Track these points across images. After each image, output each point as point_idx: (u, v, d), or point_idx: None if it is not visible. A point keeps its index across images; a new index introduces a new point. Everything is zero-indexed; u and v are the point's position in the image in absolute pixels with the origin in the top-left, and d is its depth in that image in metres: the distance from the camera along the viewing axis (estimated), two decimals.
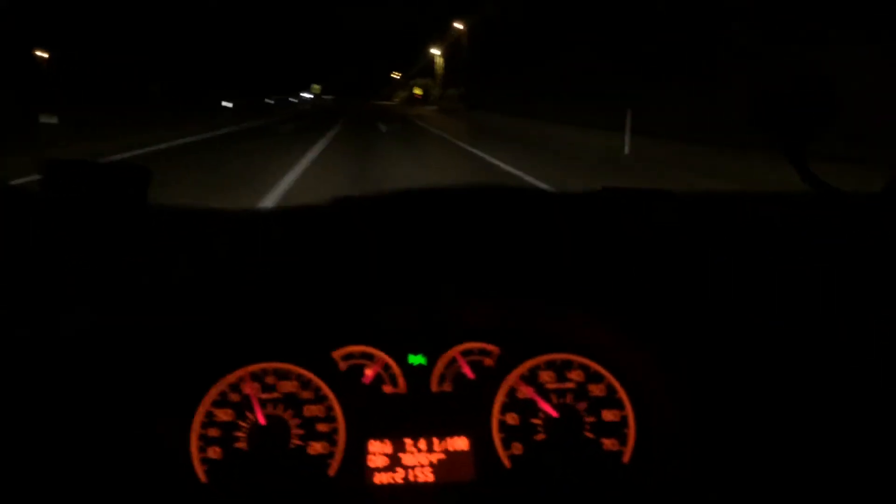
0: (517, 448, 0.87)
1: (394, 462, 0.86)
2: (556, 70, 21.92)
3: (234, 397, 0.86)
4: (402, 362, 0.89)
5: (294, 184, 7.88)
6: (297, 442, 0.86)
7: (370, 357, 0.89)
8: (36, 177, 0.96)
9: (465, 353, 0.90)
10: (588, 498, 0.86)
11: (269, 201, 6.64)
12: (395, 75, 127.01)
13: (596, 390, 0.90)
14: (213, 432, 0.85)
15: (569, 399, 0.89)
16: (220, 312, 0.85)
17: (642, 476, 0.87)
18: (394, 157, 11.72)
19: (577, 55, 19.74)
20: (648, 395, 0.88)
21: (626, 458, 0.88)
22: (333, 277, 0.87)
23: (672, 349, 0.85)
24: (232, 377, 0.87)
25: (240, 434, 0.85)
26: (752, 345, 0.84)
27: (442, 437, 0.87)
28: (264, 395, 0.87)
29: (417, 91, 56.94)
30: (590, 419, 0.89)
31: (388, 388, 0.88)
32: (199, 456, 0.84)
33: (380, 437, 0.86)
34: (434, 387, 0.89)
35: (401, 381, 0.88)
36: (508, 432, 0.88)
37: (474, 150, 12.69)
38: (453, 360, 0.90)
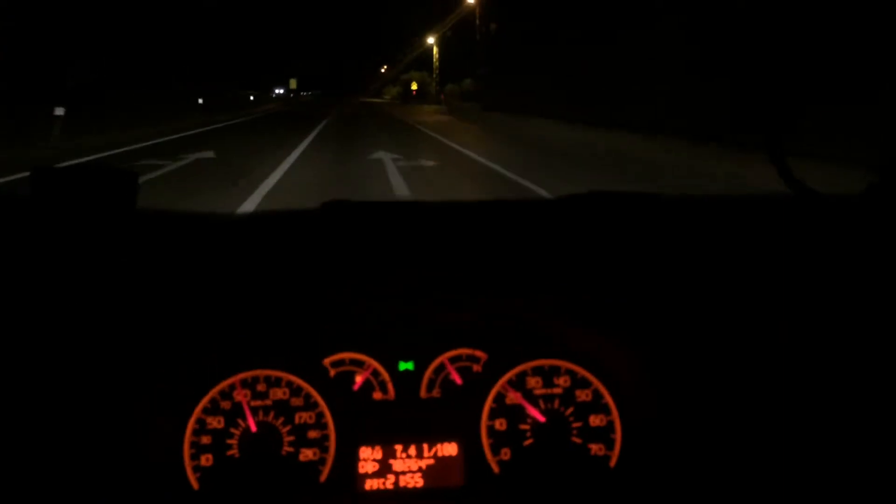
0: (506, 453, 0.89)
1: (384, 468, 0.87)
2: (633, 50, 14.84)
3: (226, 405, 0.87)
4: (391, 369, 0.90)
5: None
6: (289, 449, 0.87)
7: (360, 364, 0.90)
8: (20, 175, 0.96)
9: (454, 360, 0.91)
10: (575, 502, 0.87)
11: None
12: (383, 69, 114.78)
13: (583, 395, 0.91)
14: (205, 439, 0.86)
15: (556, 404, 0.91)
16: (210, 319, 0.85)
17: (629, 481, 0.88)
18: None
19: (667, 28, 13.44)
20: (635, 401, 0.90)
21: (612, 462, 0.89)
22: (323, 284, 0.87)
23: (658, 354, 0.87)
24: (223, 384, 0.87)
25: (231, 441, 0.86)
26: (739, 349, 0.85)
27: (431, 443, 0.88)
28: (255, 403, 0.88)
29: (413, 86, 49.42)
30: (577, 424, 0.90)
31: (377, 395, 0.89)
32: (191, 463, 0.85)
33: (370, 443, 0.87)
34: (423, 393, 0.90)
35: (390, 387, 0.89)
36: (497, 438, 0.89)
37: None
38: (442, 367, 0.91)
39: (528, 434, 0.89)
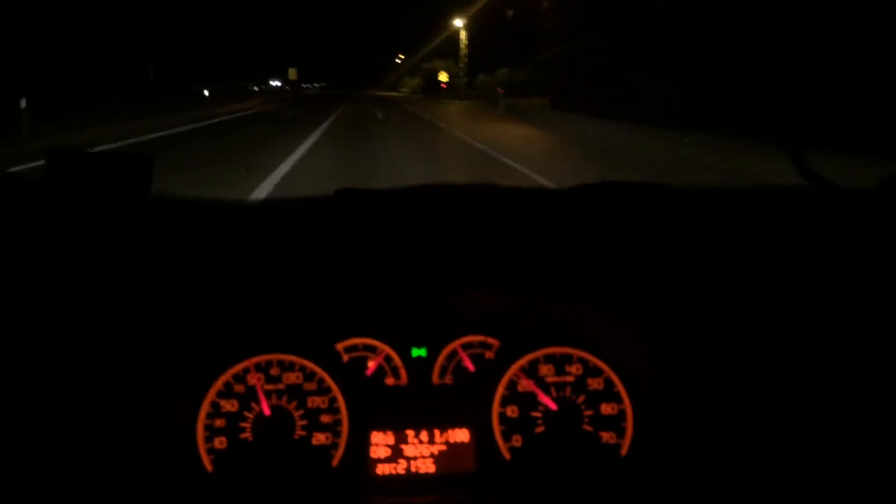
0: (517, 440, 0.89)
1: (396, 453, 0.87)
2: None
3: (239, 388, 0.88)
4: (403, 355, 0.90)
5: None
6: (301, 433, 0.87)
7: (373, 349, 0.90)
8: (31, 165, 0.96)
9: (466, 346, 0.91)
10: (586, 490, 0.87)
11: None
12: (399, 59, 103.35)
13: (594, 384, 0.91)
14: (219, 423, 0.86)
15: (568, 392, 0.91)
16: (225, 304, 0.85)
17: (639, 469, 0.88)
18: None
19: None
20: (646, 389, 0.90)
21: (623, 450, 0.89)
22: (337, 270, 0.87)
23: (671, 343, 0.87)
24: (237, 368, 0.88)
25: (245, 425, 0.87)
26: (751, 338, 0.85)
27: (443, 429, 0.88)
28: (269, 387, 0.88)
29: (443, 77, 37.46)
30: (588, 412, 0.90)
31: (390, 381, 0.90)
32: (206, 446, 0.86)
33: (382, 428, 0.88)
34: (435, 379, 0.90)
35: (402, 373, 0.90)
36: (508, 425, 0.89)
37: None
38: (454, 353, 0.91)
39: (540, 421, 0.90)
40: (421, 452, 0.88)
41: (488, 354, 0.91)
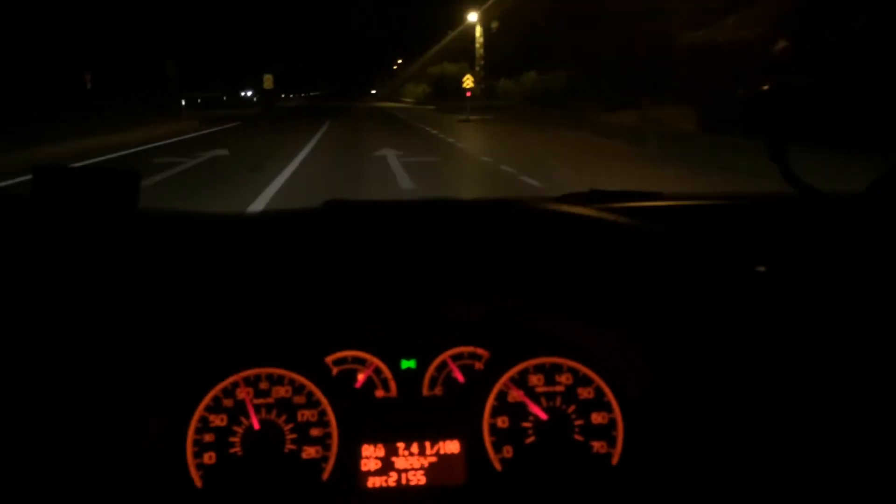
0: (508, 451, 0.89)
1: (386, 466, 0.87)
2: None
3: (228, 403, 0.87)
4: (393, 367, 0.90)
5: None
6: (291, 447, 0.87)
7: (362, 362, 0.90)
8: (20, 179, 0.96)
9: (456, 358, 0.91)
10: (577, 500, 0.87)
11: None
12: (398, 64, 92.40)
13: (585, 393, 0.91)
14: (208, 437, 0.86)
15: (558, 402, 0.91)
16: (213, 317, 0.85)
17: (631, 478, 0.88)
18: None
19: None
20: (636, 398, 0.90)
21: (614, 460, 0.89)
22: (325, 282, 0.87)
23: (660, 351, 0.87)
24: (226, 382, 0.88)
25: (234, 439, 0.86)
26: (740, 347, 0.85)
27: (434, 441, 0.88)
28: (258, 401, 0.88)
29: (468, 82, 25.61)
30: (579, 422, 0.90)
31: (379, 393, 0.89)
32: (194, 461, 0.85)
33: (372, 441, 0.88)
34: (425, 391, 0.90)
35: (392, 385, 0.90)
36: (499, 435, 0.89)
37: None
38: (444, 364, 0.91)
39: (531, 432, 0.90)
40: (412, 465, 0.88)
41: (478, 365, 0.91)
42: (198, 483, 0.85)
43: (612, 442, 0.90)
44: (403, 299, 0.89)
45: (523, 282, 0.89)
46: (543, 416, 0.89)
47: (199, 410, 0.86)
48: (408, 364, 0.90)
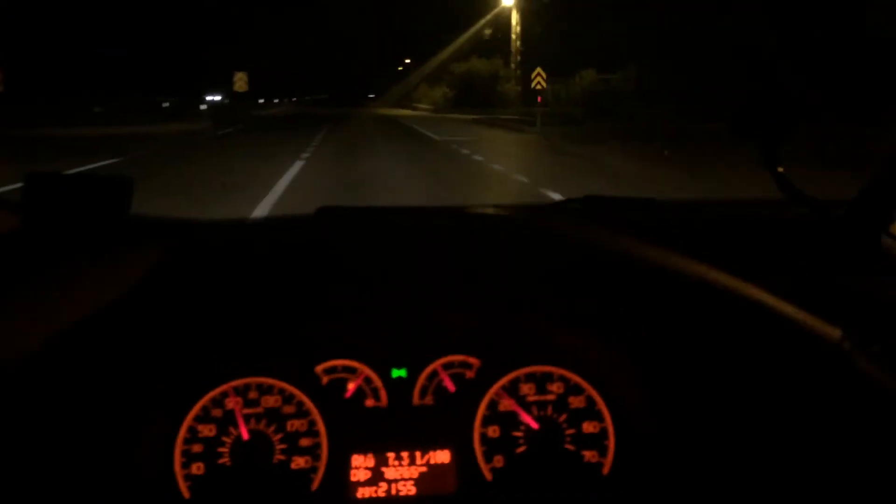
0: (498, 461, 0.88)
1: (376, 476, 0.87)
2: None
3: (217, 412, 0.87)
4: (383, 376, 0.90)
5: None
6: (280, 457, 0.86)
7: (352, 371, 0.90)
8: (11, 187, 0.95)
9: (447, 366, 0.91)
10: None
11: None
12: (406, 63, 78.04)
13: (576, 402, 0.91)
14: (197, 448, 0.85)
15: (549, 411, 0.90)
16: (202, 326, 0.85)
17: (621, 488, 0.88)
18: None
19: None
20: (628, 407, 0.90)
21: (605, 469, 0.89)
22: (315, 290, 0.87)
23: (651, 362, 0.86)
24: (215, 392, 0.87)
25: (223, 450, 0.86)
26: (732, 356, 0.85)
27: (424, 451, 0.88)
28: (247, 410, 0.87)
29: (539, 82, 17.74)
30: (570, 431, 0.90)
31: (370, 402, 0.89)
32: (182, 472, 0.85)
33: (362, 450, 0.87)
34: (415, 400, 0.89)
35: (382, 394, 0.89)
36: (490, 445, 0.89)
37: None
38: (434, 373, 0.90)
39: (522, 441, 0.89)
40: (402, 474, 0.87)
41: (469, 374, 0.91)
42: (185, 494, 0.84)
43: (603, 451, 0.89)
44: (394, 308, 0.89)
45: (515, 291, 0.88)
46: (535, 425, 0.89)
47: (188, 420, 0.86)
48: (398, 373, 0.90)
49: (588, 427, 0.90)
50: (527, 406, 0.90)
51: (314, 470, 0.86)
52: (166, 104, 27.24)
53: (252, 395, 0.88)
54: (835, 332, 0.81)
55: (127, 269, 0.86)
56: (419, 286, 0.88)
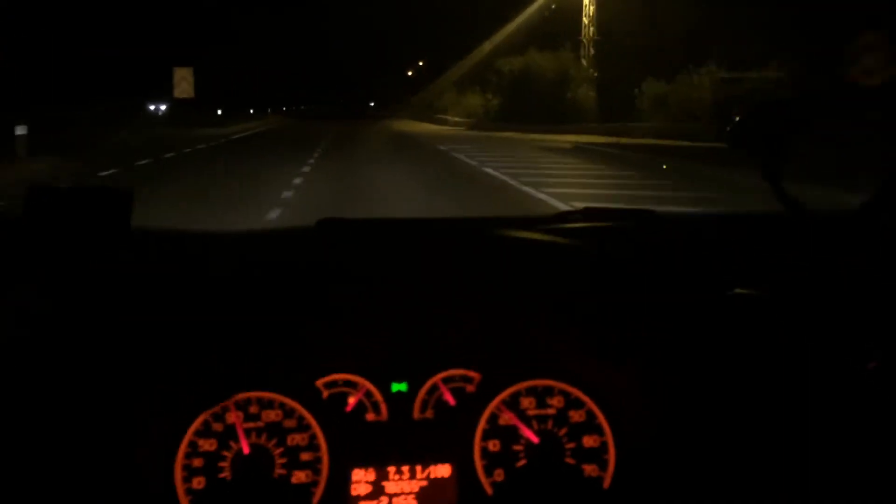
0: (499, 475, 0.88)
1: (377, 490, 0.87)
2: None
3: (218, 427, 0.87)
4: (384, 390, 0.90)
5: None
6: (281, 471, 0.86)
7: (353, 385, 0.90)
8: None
9: (447, 380, 0.91)
10: None
11: None
12: (418, 68, 69.09)
13: (576, 416, 0.91)
14: (197, 462, 0.85)
15: (549, 425, 0.91)
16: (203, 340, 0.85)
17: (622, 502, 0.88)
18: None
19: None
20: (628, 421, 0.90)
21: (606, 483, 0.89)
22: (316, 304, 0.87)
23: (651, 375, 0.87)
24: (216, 407, 0.87)
25: (223, 464, 0.86)
26: (732, 369, 0.85)
27: (425, 465, 0.88)
28: (248, 424, 0.87)
29: None
30: (570, 445, 0.90)
31: (370, 416, 0.89)
32: (183, 486, 0.85)
33: (363, 465, 0.87)
34: (416, 414, 0.89)
35: (383, 408, 0.89)
36: (490, 459, 0.89)
37: None
38: (435, 387, 0.90)
39: (522, 455, 0.89)
40: (402, 489, 0.87)
41: (469, 388, 0.91)
42: None
43: (603, 466, 0.90)
44: (394, 321, 0.89)
45: (516, 305, 0.89)
46: (535, 439, 0.89)
47: (189, 435, 0.86)
48: (399, 387, 0.90)
49: (588, 441, 0.90)
50: (527, 420, 0.91)
51: (315, 484, 0.86)
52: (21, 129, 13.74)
53: (253, 409, 0.88)
54: (839, 347, 0.82)
55: (128, 282, 0.86)
56: (419, 300, 0.89)
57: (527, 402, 0.91)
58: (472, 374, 0.91)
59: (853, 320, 0.86)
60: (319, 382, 0.89)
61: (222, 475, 0.85)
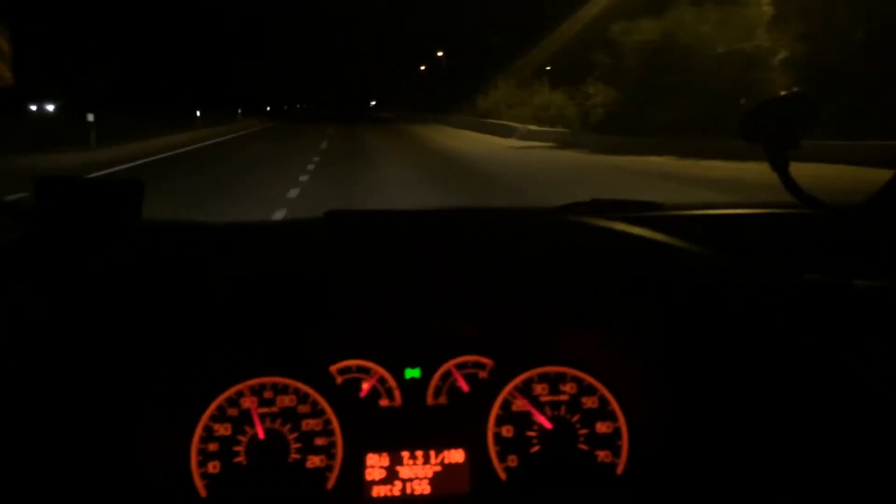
0: (512, 460, 0.89)
1: (391, 475, 0.87)
2: None
3: (233, 412, 0.87)
4: (397, 376, 0.90)
5: None
6: (296, 456, 0.87)
7: (366, 371, 0.90)
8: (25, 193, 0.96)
9: (460, 367, 0.91)
10: None
11: None
12: (423, 68, 57.88)
13: (589, 402, 0.91)
14: (213, 447, 0.86)
15: (563, 411, 0.91)
16: (217, 327, 0.85)
17: (635, 488, 0.88)
18: None
19: None
20: (641, 408, 0.90)
21: (619, 469, 0.89)
22: (328, 291, 0.87)
23: (664, 361, 0.87)
24: (230, 391, 0.88)
25: (238, 448, 0.86)
26: (744, 357, 0.85)
27: (438, 450, 0.88)
28: (262, 410, 0.88)
29: None
30: (583, 431, 0.90)
31: (384, 402, 0.89)
32: (199, 470, 0.85)
33: (377, 450, 0.87)
34: (429, 400, 0.90)
35: (397, 394, 0.90)
36: (504, 444, 0.89)
37: None
38: (448, 374, 0.91)
39: (535, 441, 0.90)
40: (416, 474, 0.87)
41: (482, 374, 0.91)
42: (202, 492, 0.85)
43: (616, 452, 0.90)
44: (407, 309, 0.89)
45: (527, 291, 0.89)
46: (548, 425, 0.89)
47: (204, 420, 0.86)
48: (412, 373, 0.90)
49: (601, 427, 0.91)
50: (540, 406, 0.91)
51: (329, 469, 0.87)
52: None
53: (267, 394, 0.88)
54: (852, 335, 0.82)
55: (140, 271, 0.86)
56: (431, 287, 0.89)
57: (540, 389, 0.92)
58: (484, 360, 0.92)
59: (860, 309, 0.86)
60: (333, 368, 0.90)
61: (237, 459, 0.86)
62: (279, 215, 6.74)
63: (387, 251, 0.90)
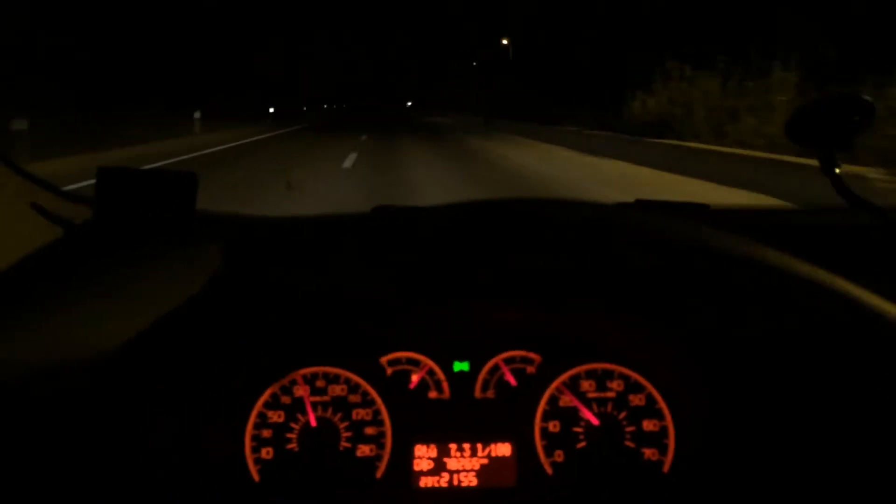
0: (559, 455, 0.89)
1: (439, 466, 0.88)
2: None
3: (286, 400, 0.89)
4: (446, 369, 0.91)
5: None
6: (346, 444, 0.88)
7: (416, 363, 0.91)
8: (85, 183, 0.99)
9: (508, 361, 0.92)
10: None
11: None
12: (503, 45, 38.47)
13: (636, 400, 0.92)
14: (266, 433, 0.88)
15: (609, 408, 0.91)
16: (273, 318, 0.87)
17: (682, 487, 0.88)
18: None
19: None
20: (688, 406, 0.90)
21: (665, 468, 0.90)
22: (379, 286, 0.89)
23: (713, 362, 0.87)
24: (285, 380, 0.89)
25: (291, 435, 0.88)
26: (793, 357, 0.85)
27: (485, 443, 0.89)
28: (314, 398, 0.90)
29: None
30: (630, 428, 0.91)
31: (433, 394, 0.91)
32: (253, 456, 0.87)
33: (425, 441, 0.89)
34: (477, 393, 0.91)
35: (445, 387, 0.91)
36: (550, 439, 0.90)
37: None
38: (496, 368, 0.92)
39: (582, 437, 0.90)
40: (463, 466, 0.89)
41: (530, 369, 0.92)
42: (255, 477, 0.87)
43: (663, 450, 0.90)
44: (456, 303, 0.91)
45: (577, 289, 0.89)
46: (595, 421, 0.90)
47: (258, 406, 0.88)
48: (461, 366, 0.91)
49: (648, 425, 0.91)
50: (587, 402, 0.91)
51: (378, 458, 0.88)
52: None
53: (319, 383, 0.90)
54: None
55: (196, 264, 0.88)
56: (480, 282, 0.90)
57: (587, 385, 0.92)
58: (532, 355, 0.92)
59: None
60: (383, 360, 0.91)
61: (290, 446, 0.87)
62: None
63: (434, 245, 0.91)
